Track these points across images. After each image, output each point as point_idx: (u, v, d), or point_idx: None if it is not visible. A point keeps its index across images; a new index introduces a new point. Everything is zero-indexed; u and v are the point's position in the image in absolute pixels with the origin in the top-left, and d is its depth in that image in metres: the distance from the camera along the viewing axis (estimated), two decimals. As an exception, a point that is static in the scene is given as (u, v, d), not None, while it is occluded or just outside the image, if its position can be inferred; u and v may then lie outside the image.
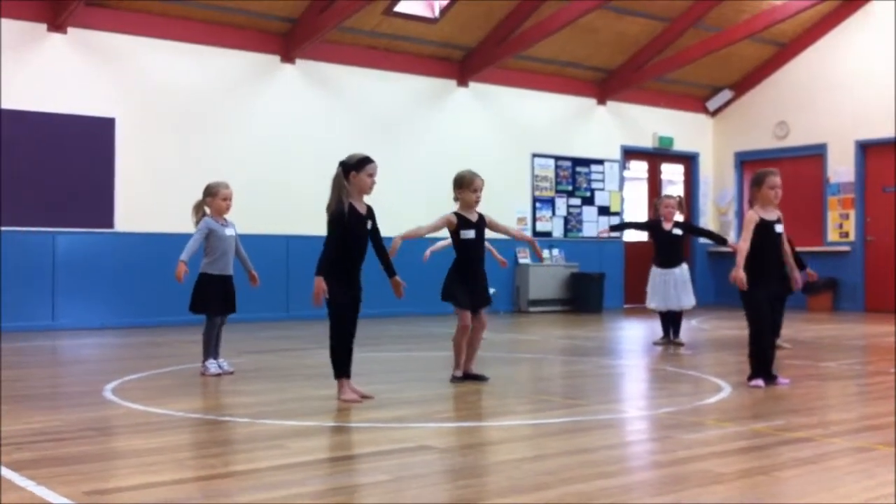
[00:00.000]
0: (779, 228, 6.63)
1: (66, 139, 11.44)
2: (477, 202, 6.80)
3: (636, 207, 17.40)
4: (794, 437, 4.75)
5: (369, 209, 5.99)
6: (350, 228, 5.82)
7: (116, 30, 11.85)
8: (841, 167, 16.15)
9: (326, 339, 5.91)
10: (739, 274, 6.39)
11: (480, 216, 6.84)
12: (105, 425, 5.19)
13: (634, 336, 11.43)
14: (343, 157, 5.96)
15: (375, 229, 6.02)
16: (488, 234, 7.00)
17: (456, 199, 6.83)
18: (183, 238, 7.43)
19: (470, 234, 6.73)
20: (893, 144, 15.48)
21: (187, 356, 8.22)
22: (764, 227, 6.56)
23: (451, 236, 6.83)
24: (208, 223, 7.21)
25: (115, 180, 11.77)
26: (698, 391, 6.50)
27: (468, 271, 6.75)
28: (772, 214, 6.62)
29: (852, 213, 15.99)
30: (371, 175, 5.90)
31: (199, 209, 7.30)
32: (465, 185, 6.74)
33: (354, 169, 5.86)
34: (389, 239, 6.20)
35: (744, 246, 6.49)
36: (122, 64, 11.92)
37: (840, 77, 16.18)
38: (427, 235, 6.90)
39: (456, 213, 6.77)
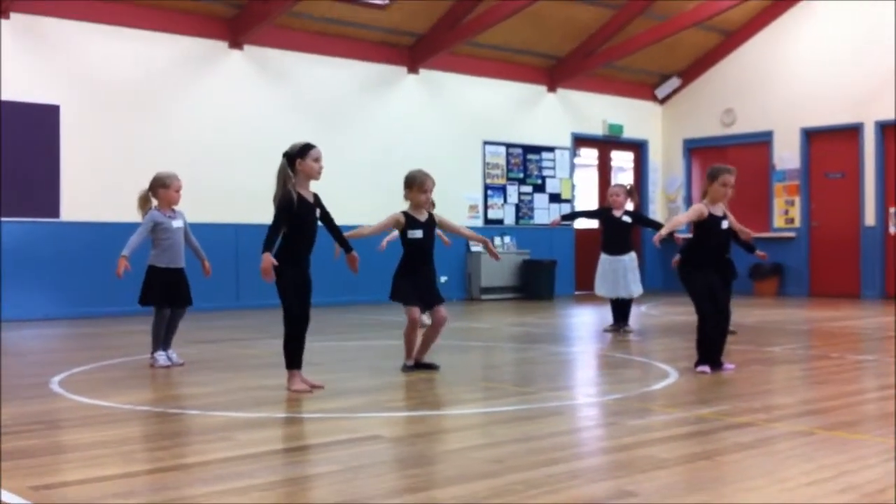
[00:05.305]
0: (724, 224, 6.77)
1: (9, 127, 11.22)
2: (426, 203, 6.82)
3: (587, 194, 17.54)
4: (737, 421, 4.85)
5: (315, 196, 5.99)
6: (299, 216, 5.81)
7: (60, 15, 11.64)
8: (786, 154, 16.42)
9: (276, 328, 5.89)
10: (661, 233, 6.69)
11: (430, 215, 6.86)
12: (51, 419, 5.14)
13: (585, 323, 11.54)
14: (289, 145, 5.94)
15: (326, 213, 6.03)
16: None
17: (406, 198, 6.84)
18: (130, 227, 7.35)
19: (418, 233, 6.74)
20: (837, 131, 15.78)
21: (136, 347, 8.15)
22: (709, 221, 6.69)
23: (400, 235, 6.85)
24: (154, 217, 7.13)
25: (60, 169, 11.59)
26: (646, 377, 6.60)
27: (415, 270, 6.76)
28: (718, 210, 6.75)
29: (797, 200, 16.28)
30: (317, 160, 5.90)
31: (146, 201, 7.20)
32: (416, 185, 6.74)
33: (299, 156, 5.85)
34: (344, 228, 6.21)
35: (680, 219, 6.95)
36: (66, 50, 11.72)
37: (785, 65, 16.44)
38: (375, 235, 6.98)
39: (405, 213, 6.79)
